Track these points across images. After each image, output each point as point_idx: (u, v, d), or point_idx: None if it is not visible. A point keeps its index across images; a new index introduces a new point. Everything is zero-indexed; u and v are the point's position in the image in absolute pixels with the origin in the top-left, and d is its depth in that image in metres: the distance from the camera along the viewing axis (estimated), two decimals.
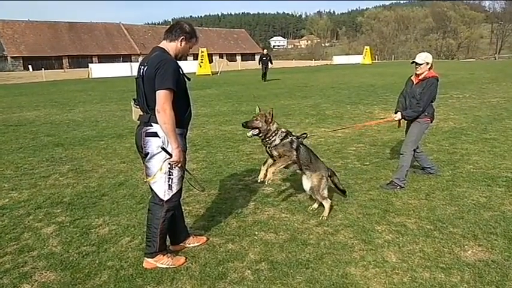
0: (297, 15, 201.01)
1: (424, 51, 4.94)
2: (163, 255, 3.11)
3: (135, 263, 3.16)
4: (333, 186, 4.32)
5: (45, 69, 36.06)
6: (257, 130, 3.76)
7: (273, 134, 3.80)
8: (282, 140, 3.82)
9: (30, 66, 47.94)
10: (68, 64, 53.97)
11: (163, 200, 2.99)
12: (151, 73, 2.75)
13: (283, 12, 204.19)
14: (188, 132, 3.15)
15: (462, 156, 5.97)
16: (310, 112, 10.72)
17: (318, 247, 3.34)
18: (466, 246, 3.29)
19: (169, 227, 3.17)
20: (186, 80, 3.00)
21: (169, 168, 2.92)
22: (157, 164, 2.90)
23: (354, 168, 5.56)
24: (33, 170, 5.82)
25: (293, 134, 4.00)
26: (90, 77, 32.73)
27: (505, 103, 11.39)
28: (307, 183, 4.00)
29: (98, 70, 34.64)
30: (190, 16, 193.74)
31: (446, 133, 7.61)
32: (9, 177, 5.53)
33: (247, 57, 71.31)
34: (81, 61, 53.35)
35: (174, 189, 3.00)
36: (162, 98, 2.71)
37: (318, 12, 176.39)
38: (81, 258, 3.25)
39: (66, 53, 54.80)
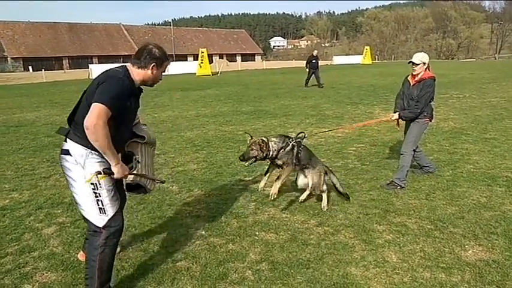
0: (297, 16, 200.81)
1: (420, 51, 4.94)
2: None
3: (135, 264, 3.16)
4: (332, 185, 4.35)
5: (45, 70, 36.04)
6: (254, 159, 3.81)
7: (269, 152, 3.83)
8: (282, 149, 3.86)
9: (30, 67, 47.97)
10: (68, 65, 54.01)
11: (99, 227, 2.54)
12: (94, 86, 2.45)
13: (283, 13, 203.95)
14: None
15: (462, 156, 5.97)
16: (311, 112, 10.72)
17: (318, 247, 3.35)
18: (466, 246, 3.29)
19: (111, 262, 2.63)
20: (132, 106, 2.62)
21: (93, 189, 2.48)
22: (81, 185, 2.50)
23: (354, 168, 5.56)
24: (34, 171, 5.83)
25: (290, 136, 4.05)
26: (90, 77, 32.67)
27: (505, 103, 11.39)
28: (305, 180, 4.09)
29: (98, 71, 34.34)
30: (191, 16, 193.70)
31: (446, 133, 7.62)
32: (9, 178, 5.53)
33: (247, 57, 71.39)
34: (81, 62, 53.38)
35: (109, 212, 2.54)
36: (95, 112, 2.30)
37: (317, 12, 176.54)
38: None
39: (66, 53, 54.87)
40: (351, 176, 5.19)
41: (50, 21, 59.03)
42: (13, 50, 51.49)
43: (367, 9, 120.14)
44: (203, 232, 3.69)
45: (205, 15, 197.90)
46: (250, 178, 5.23)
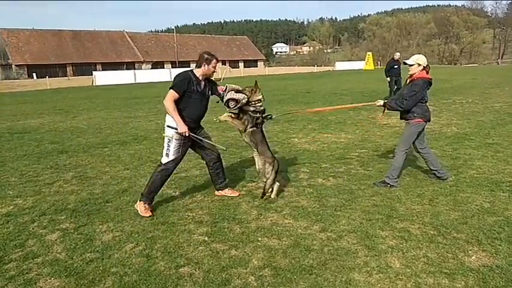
0: (299, 22, 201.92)
1: (419, 54, 5.01)
2: (143, 203, 4.20)
3: (139, 269, 3.16)
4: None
5: (49, 77, 36.34)
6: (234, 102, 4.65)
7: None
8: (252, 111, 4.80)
9: (34, 74, 48.40)
10: (72, 72, 54.38)
11: (162, 163, 4.30)
12: None
13: (286, 19, 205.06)
14: None
15: (465, 161, 5.96)
16: (313, 118, 10.74)
17: (321, 253, 3.34)
18: (470, 252, 3.28)
19: (159, 185, 4.33)
20: (197, 91, 4.26)
21: (168, 142, 4.22)
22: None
23: (357, 173, 5.56)
24: (38, 177, 5.86)
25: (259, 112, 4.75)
26: (94, 84, 32.95)
27: (508, 108, 11.37)
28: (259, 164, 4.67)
29: (102, 77, 34.87)
30: (194, 23, 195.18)
31: (449, 138, 7.61)
32: (13, 184, 5.57)
33: (249, 63, 71.71)
34: (85, 69, 53.71)
35: (171, 157, 4.25)
36: (167, 95, 4.15)
37: (320, 18, 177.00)
38: (85, 265, 3.26)
39: (70, 60, 55.28)
40: (353, 181, 5.18)
41: (54, 28, 59.56)
42: (17, 57, 51.94)
43: (369, 15, 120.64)
44: (206, 238, 3.70)
45: (208, 22, 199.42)
46: (253, 184, 5.24)
